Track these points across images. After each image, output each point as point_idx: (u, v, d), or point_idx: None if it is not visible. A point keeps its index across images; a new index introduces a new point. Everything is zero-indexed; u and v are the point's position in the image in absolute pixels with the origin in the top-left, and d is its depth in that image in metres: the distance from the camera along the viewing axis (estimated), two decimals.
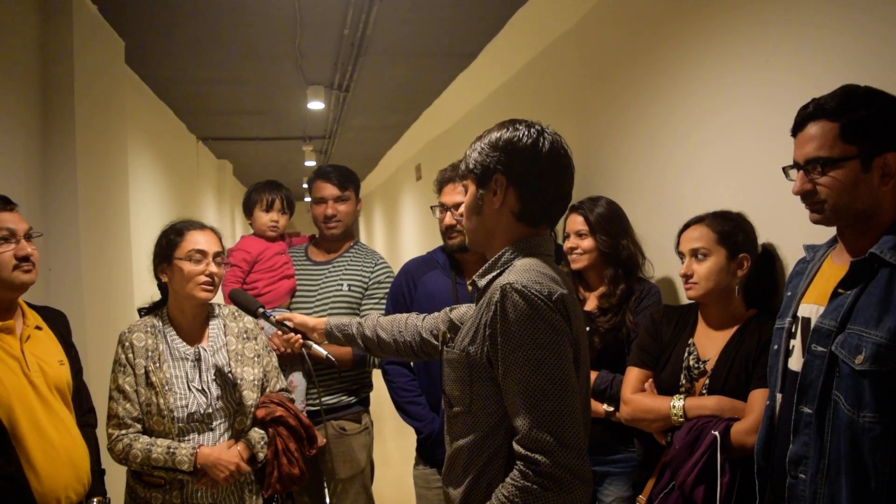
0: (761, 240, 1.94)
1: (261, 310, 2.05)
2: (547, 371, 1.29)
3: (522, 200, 1.43)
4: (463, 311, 1.71)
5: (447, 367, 1.49)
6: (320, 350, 1.93)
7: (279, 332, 2.03)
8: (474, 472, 1.40)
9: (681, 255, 1.94)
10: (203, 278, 2.02)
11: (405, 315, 1.84)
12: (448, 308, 1.77)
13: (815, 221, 1.43)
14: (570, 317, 1.37)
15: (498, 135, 1.45)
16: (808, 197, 1.41)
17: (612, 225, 2.32)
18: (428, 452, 2.43)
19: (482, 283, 1.48)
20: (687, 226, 1.95)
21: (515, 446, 1.30)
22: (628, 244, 2.32)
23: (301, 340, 1.93)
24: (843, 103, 1.35)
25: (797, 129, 1.42)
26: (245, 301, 2.12)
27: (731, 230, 1.87)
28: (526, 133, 1.43)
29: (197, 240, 2.05)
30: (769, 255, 1.94)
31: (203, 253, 2.04)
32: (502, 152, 1.43)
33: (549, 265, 1.44)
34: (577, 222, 2.34)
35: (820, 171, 1.36)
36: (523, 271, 1.36)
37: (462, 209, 1.54)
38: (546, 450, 1.26)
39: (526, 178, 1.43)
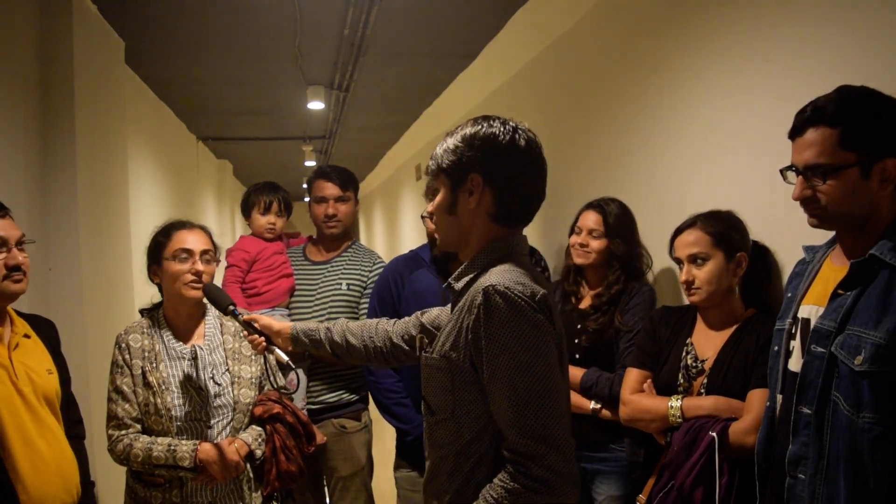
0: (761, 240, 1.94)
1: (231, 307, 1.98)
2: (533, 373, 1.26)
3: (498, 201, 1.38)
4: (434, 314, 1.66)
5: (426, 374, 1.43)
6: (281, 355, 1.85)
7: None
8: (460, 480, 1.36)
9: (677, 260, 1.93)
10: (190, 277, 2.03)
11: (375, 320, 1.78)
12: (419, 312, 1.71)
13: (814, 225, 1.44)
14: (553, 316, 1.34)
15: (472, 131, 1.38)
16: (808, 203, 1.41)
17: (627, 229, 2.31)
18: (414, 456, 2.38)
19: (459, 285, 1.43)
20: (679, 231, 1.93)
21: (504, 451, 1.28)
22: (641, 252, 2.33)
23: (264, 343, 1.86)
24: (842, 108, 1.34)
25: (795, 133, 1.41)
26: (218, 296, 2.02)
27: (724, 230, 1.86)
28: (502, 130, 1.37)
29: (183, 239, 2.06)
30: (759, 251, 1.94)
31: (189, 252, 2.04)
32: (478, 150, 1.37)
33: (527, 265, 1.40)
34: (592, 220, 2.33)
35: (821, 179, 1.36)
36: (503, 272, 1.33)
37: (432, 207, 1.47)
38: (535, 454, 1.24)
39: (502, 178, 1.37)
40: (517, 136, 1.37)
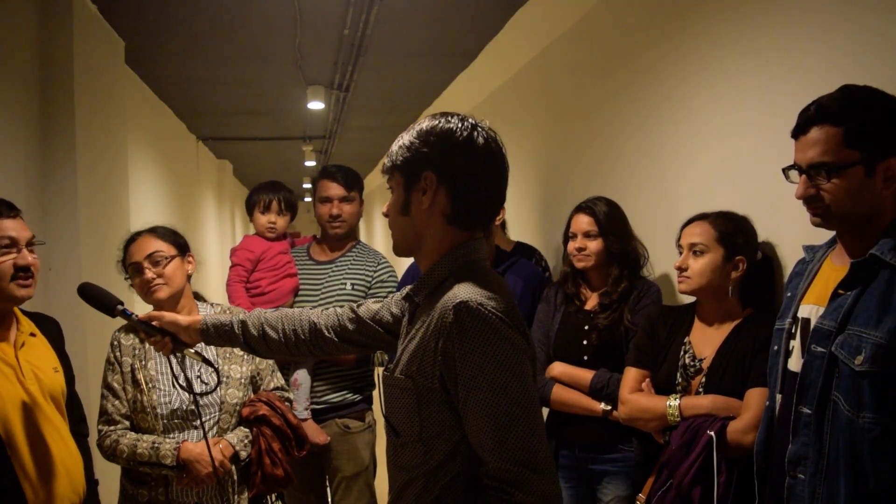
0: (761, 239, 1.94)
1: (120, 307, 1.70)
2: (512, 395, 1.18)
3: (455, 201, 1.30)
4: (374, 309, 1.59)
5: (388, 393, 1.33)
6: (192, 351, 1.68)
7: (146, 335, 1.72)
8: (429, 502, 1.27)
9: (681, 248, 1.95)
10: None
11: (298, 310, 1.66)
12: (354, 305, 1.63)
13: (817, 224, 1.44)
14: (525, 330, 1.28)
15: (428, 126, 1.32)
16: (811, 201, 1.41)
17: (619, 225, 2.33)
18: None
19: (419, 298, 1.35)
20: (690, 221, 1.96)
21: (484, 477, 1.21)
22: (636, 245, 2.34)
23: (171, 345, 1.64)
24: (846, 107, 1.35)
25: (799, 131, 1.41)
26: (99, 296, 1.72)
27: (731, 231, 1.87)
28: (459, 126, 1.30)
29: (134, 250, 2.09)
30: (768, 259, 1.94)
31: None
32: (433, 147, 1.30)
33: (491, 274, 1.33)
34: (584, 222, 2.33)
35: (825, 177, 1.36)
36: (471, 285, 1.25)
37: (386, 208, 1.39)
38: (519, 480, 1.16)
39: (458, 176, 1.29)
40: (475, 133, 1.31)
